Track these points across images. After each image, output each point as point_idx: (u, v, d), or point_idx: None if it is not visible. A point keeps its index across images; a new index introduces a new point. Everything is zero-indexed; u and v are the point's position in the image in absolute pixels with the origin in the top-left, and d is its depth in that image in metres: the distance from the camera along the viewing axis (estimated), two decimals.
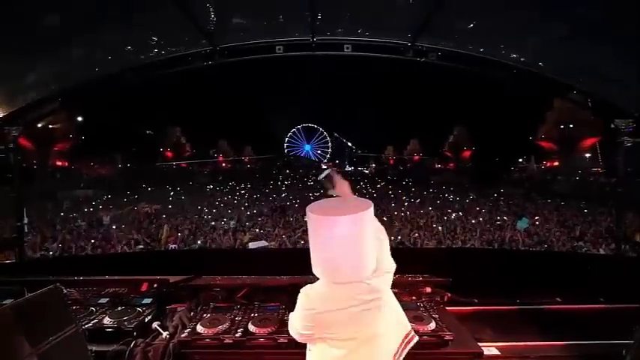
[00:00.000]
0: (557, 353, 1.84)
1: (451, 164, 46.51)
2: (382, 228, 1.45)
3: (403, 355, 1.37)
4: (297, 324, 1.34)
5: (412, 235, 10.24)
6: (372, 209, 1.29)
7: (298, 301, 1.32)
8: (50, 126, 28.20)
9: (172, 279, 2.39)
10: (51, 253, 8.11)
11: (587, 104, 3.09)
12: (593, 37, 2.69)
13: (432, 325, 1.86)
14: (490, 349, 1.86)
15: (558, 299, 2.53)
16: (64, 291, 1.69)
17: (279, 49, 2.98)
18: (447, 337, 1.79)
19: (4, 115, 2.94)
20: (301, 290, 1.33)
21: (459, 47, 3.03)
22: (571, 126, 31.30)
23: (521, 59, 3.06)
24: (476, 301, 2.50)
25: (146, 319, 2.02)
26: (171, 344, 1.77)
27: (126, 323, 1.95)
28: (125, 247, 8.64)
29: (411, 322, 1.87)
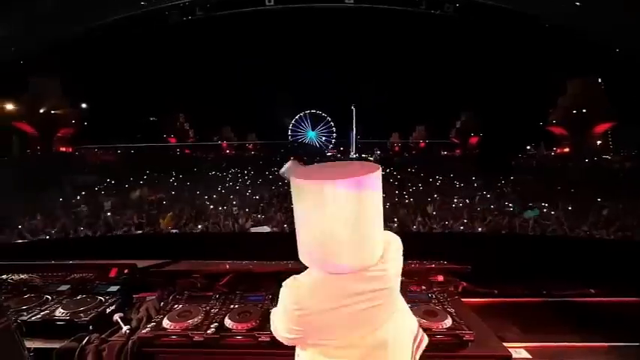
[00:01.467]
0: (604, 356, 1.49)
1: (458, 150, 45.70)
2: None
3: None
4: (281, 327, 0.99)
5: (416, 220, 9.95)
6: (379, 173, 0.92)
7: (280, 297, 0.96)
8: (52, 111, 28.09)
9: (144, 263, 2.08)
10: (47, 237, 7.98)
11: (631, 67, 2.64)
12: None
13: (448, 322, 1.52)
14: (518, 350, 1.53)
15: (592, 291, 2.17)
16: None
17: (270, 1, 2.55)
18: (467, 337, 1.46)
19: None
20: (284, 284, 0.97)
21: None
22: (584, 110, 30.20)
23: (555, 13, 2.60)
24: (496, 292, 2.16)
25: (107, 310, 1.72)
26: (130, 341, 1.47)
27: (82, 315, 1.64)
28: (124, 230, 8.47)
29: (422, 318, 1.55)
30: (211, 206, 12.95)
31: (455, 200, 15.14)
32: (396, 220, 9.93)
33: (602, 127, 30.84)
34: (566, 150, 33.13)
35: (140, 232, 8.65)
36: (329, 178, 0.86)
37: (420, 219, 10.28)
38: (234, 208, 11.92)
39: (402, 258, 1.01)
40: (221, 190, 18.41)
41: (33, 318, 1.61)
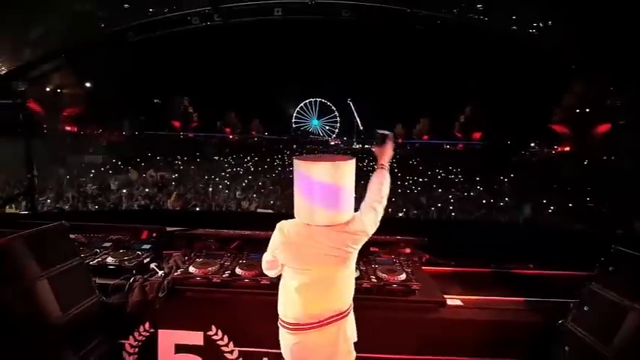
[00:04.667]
0: (515, 306, 2.00)
1: (460, 145, 45.87)
2: (382, 201, 1.54)
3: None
4: (267, 253, 1.53)
5: (411, 212, 10.47)
6: (352, 163, 1.44)
7: (274, 232, 1.49)
8: (59, 90, 28.25)
9: (170, 228, 2.59)
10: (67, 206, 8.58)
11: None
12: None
13: (403, 277, 2.02)
14: (455, 300, 2.03)
15: (531, 265, 2.67)
16: (68, 226, 1.86)
17: (278, 11, 2.97)
18: (414, 287, 1.97)
19: (9, 70, 3.05)
20: (277, 224, 1.50)
21: (457, 15, 2.98)
22: (587, 110, 30.20)
23: (525, 29, 3.01)
24: (452, 263, 2.66)
25: (145, 261, 2.23)
26: (166, 281, 1.98)
27: (126, 262, 2.16)
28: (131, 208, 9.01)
29: (383, 274, 2.06)
30: (216, 190, 13.51)
31: (452, 192, 15.60)
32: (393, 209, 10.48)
33: (603, 128, 30.87)
34: (567, 149, 33.28)
35: (152, 208, 9.22)
36: (316, 161, 1.40)
37: (414, 211, 10.79)
38: (238, 193, 12.50)
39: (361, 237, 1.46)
40: (225, 174, 18.92)
41: (91, 263, 2.13)
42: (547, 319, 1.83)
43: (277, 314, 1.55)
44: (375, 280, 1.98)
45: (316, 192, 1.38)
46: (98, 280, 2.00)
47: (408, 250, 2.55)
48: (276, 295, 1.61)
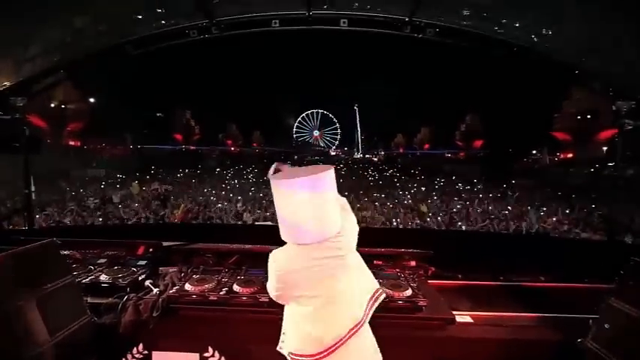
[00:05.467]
0: (529, 323, 1.89)
1: (462, 154, 45.84)
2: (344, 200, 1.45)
3: (372, 310, 1.40)
4: (270, 286, 1.40)
5: (414, 222, 10.35)
6: (331, 172, 1.30)
7: (268, 265, 1.37)
8: (60, 105, 28.64)
9: (167, 243, 2.51)
10: (66, 222, 8.54)
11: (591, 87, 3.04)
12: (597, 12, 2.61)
13: (408, 292, 1.92)
14: (464, 317, 1.92)
15: (542, 278, 2.56)
16: (60, 244, 1.80)
17: (275, 23, 2.97)
18: (421, 303, 1.86)
19: (10, 85, 3.05)
20: (270, 255, 1.37)
21: (458, 23, 2.96)
22: (588, 117, 30.17)
23: (527, 36, 2.98)
24: (459, 276, 2.55)
25: (139, 278, 2.15)
26: (160, 299, 1.90)
27: (120, 280, 2.08)
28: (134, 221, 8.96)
29: (388, 289, 1.96)
30: (217, 202, 13.45)
31: (453, 201, 15.47)
32: (395, 220, 10.39)
33: (607, 134, 30.76)
34: (570, 156, 33.14)
35: (151, 222, 9.17)
36: (292, 176, 1.26)
37: (417, 221, 10.67)
38: (239, 204, 12.42)
39: (355, 236, 1.39)
40: (226, 186, 18.90)
41: (83, 281, 2.05)
42: (565, 336, 1.72)
43: (277, 334, 1.45)
44: None
45: (300, 209, 1.26)
46: (90, 300, 1.91)
47: (412, 264, 2.45)
48: (276, 313, 1.51)
